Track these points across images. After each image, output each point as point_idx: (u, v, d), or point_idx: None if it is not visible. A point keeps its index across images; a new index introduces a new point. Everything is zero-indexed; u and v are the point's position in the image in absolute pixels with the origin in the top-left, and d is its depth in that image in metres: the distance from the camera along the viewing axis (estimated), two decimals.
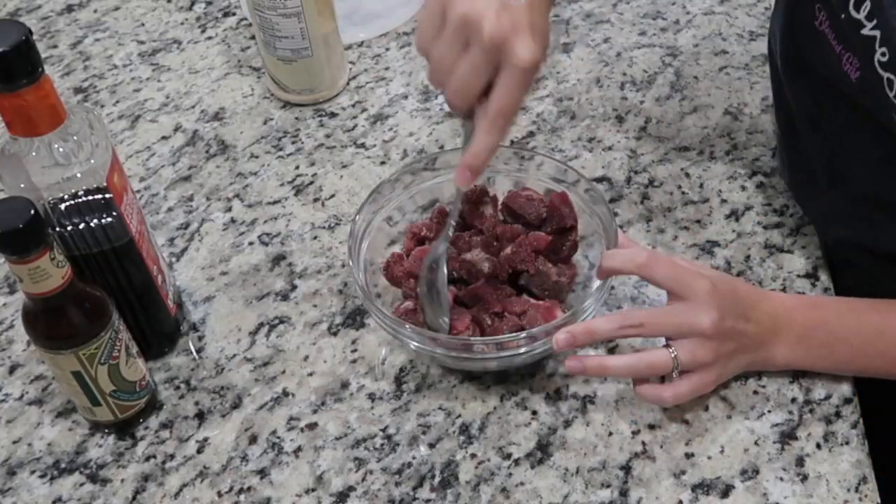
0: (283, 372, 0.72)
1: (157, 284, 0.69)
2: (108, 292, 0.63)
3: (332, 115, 0.94)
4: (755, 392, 0.68)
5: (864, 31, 0.60)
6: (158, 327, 0.72)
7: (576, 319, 0.65)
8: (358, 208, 0.72)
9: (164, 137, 0.93)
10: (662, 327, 0.64)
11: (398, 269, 0.72)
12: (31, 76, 0.55)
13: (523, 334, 0.64)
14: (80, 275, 0.61)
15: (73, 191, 0.61)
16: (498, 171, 0.77)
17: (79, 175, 0.60)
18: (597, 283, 0.69)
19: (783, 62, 0.75)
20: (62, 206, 0.61)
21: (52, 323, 0.61)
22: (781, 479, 0.63)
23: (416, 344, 0.66)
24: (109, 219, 0.63)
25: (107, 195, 0.62)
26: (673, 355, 0.63)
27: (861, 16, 0.61)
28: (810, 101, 0.72)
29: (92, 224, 0.63)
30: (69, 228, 0.62)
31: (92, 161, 0.61)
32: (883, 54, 0.59)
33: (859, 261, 0.75)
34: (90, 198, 0.62)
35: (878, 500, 0.62)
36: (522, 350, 0.64)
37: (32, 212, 0.55)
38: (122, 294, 0.67)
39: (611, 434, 0.66)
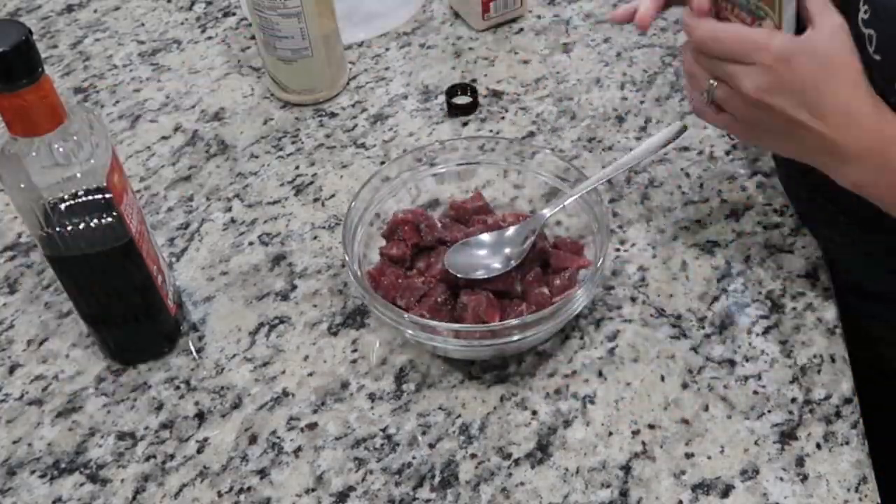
0: (283, 372, 0.72)
1: (157, 284, 0.69)
2: (108, 292, 0.63)
3: (332, 115, 0.94)
4: (755, 392, 0.68)
5: None
6: (158, 327, 0.72)
7: (567, 309, 0.66)
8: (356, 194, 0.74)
9: (164, 137, 0.93)
10: (724, 40, 0.60)
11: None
12: (31, 76, 0.55)
13: (516, 321, 0.65)
14: (80, 275, 0.61)
15: (73, 191, 0.61)
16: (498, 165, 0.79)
17: (79, 175, 0.60)
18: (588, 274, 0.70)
19: None
20: (62, 206, 0.61)
21: None
22: (781, 479, 0.63)
23: (410, 332, 0.67)
24: (109, 219, 0.63)
25: (107, 195, 0.62)
26: (709, 82, 0.64)
27: None
28: None
29: (92, 224, 0.63)
30: (69, 228, 0.62)
31: (92, 161, 0.61)
32: (865, 11, 0.60)
33: (849, 259, 0.75)
34: (90, 198, 0.62)
35: (878, 500, 0.62)
36: (515, 337, 0.65)
37: None
38: (122, 294, 0.67)
39: (611, 434, 0.66)
